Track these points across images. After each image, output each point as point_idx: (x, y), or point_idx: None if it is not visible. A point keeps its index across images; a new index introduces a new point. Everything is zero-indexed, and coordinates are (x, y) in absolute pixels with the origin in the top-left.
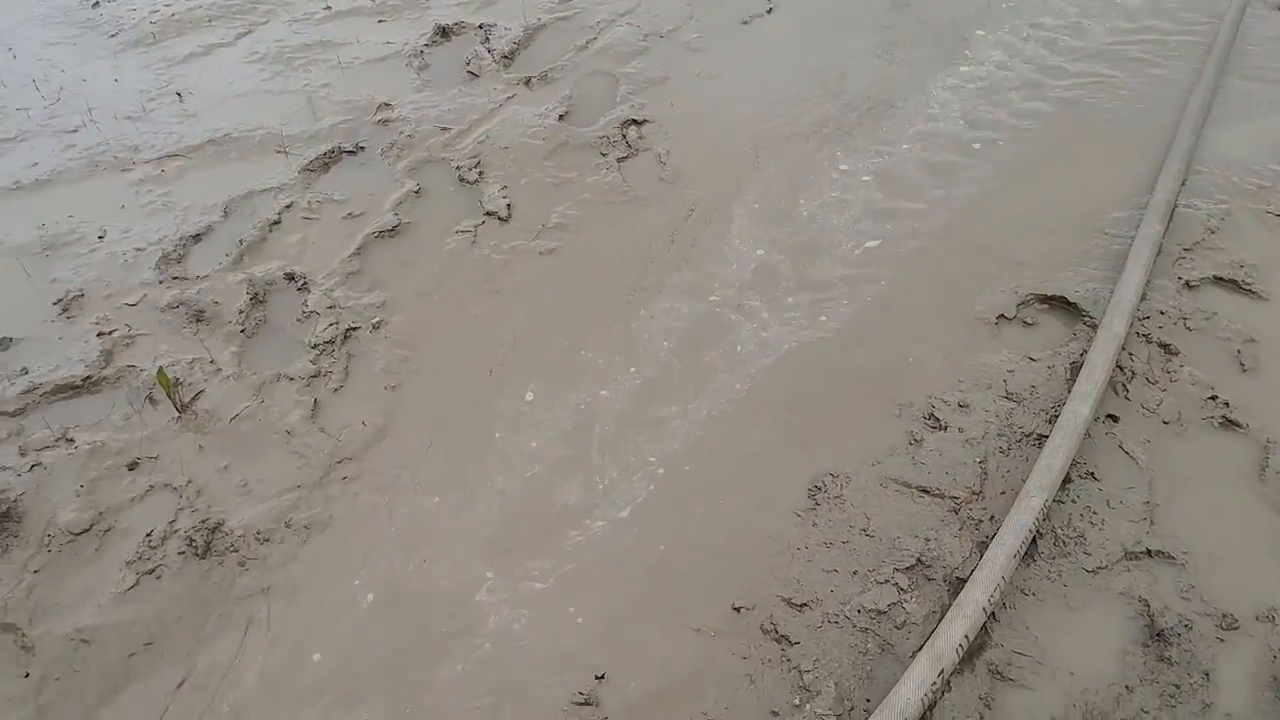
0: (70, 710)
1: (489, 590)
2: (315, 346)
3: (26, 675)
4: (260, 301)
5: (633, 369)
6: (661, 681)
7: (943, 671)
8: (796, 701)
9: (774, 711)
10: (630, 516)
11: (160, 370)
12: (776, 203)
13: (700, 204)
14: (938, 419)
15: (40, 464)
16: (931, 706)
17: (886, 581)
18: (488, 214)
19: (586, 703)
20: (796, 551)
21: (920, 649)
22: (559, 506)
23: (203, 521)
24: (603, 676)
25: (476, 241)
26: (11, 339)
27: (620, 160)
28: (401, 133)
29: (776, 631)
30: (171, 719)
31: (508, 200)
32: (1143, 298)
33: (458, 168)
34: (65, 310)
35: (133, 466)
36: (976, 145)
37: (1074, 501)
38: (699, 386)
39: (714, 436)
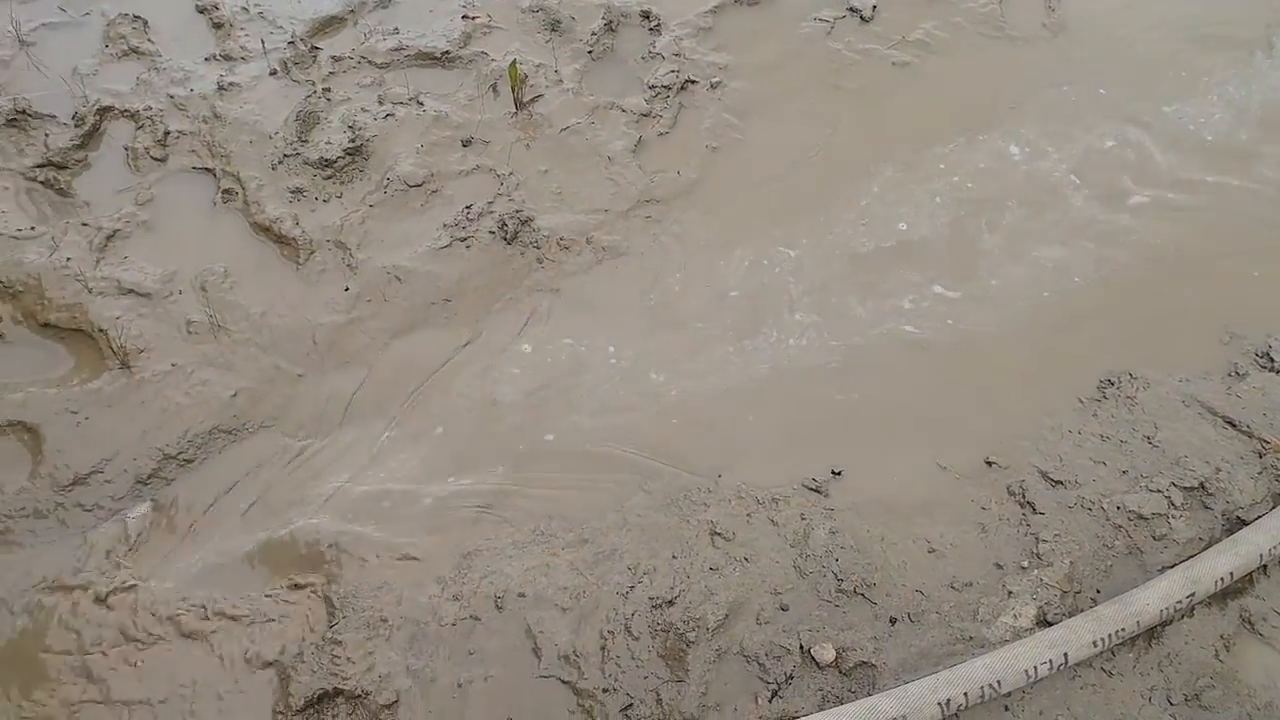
0: (373, 329)
1: (761, 359)
2: (652, 88)
3: (346, 289)
4: (612, 30)
5: (948, 213)
6: (893, 496)
7: (1193, 595)
8: (1025, 564)
9: (998, 564)
10: (909, 341)
11: (513, 64)
12: (1155, 96)
13: (1076, 66)
14: (1272, 360)
15: (392, 115)
16: (1166, 622)
17: (1159, 491)
18: (851, 9)
19: (816, 490)
20: (1068, 433)
21: (1174, 566)
22: (850, 305)
23: (516, 212)
24: (840, 473)
25: (832, 33)
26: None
27: None
28: None
29: (1023, 496)
30: (449, 369)
31: (875, 1)
32: None
33: None
34: None
35: (466, 144)
36: None
37: None
38: (1014, 250)
39: (1021, 301)
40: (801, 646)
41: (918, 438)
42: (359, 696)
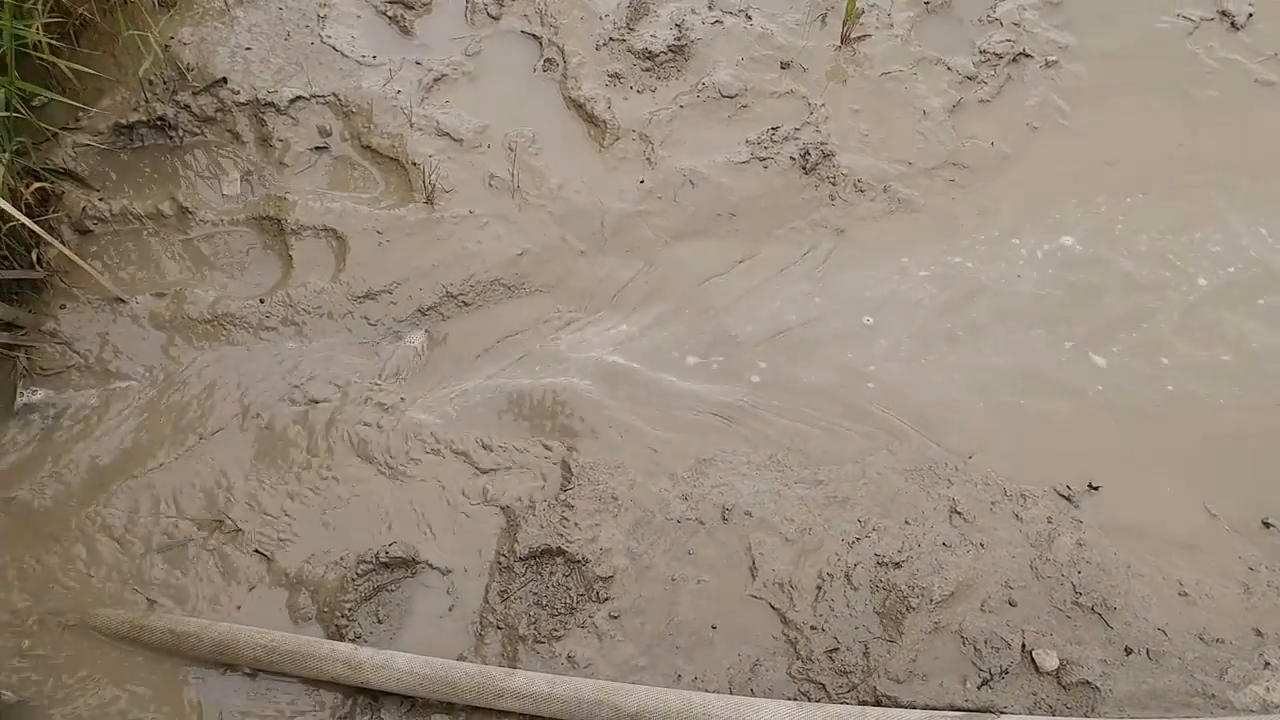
0: (657, 225)
1: (1041, 357)
2: (983, 52)
3: (641, 182)
4: None
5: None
6: (1149, 527)
7: None
8: None
9: (1259, 631)
10: (1200, 376)
11: None
12: None
13: None
14: None
15: (720, 23)
16: None
17: None
18: (1222, 12)
19: (1068, 498)
20: None
21: None
22: (1154, 331)
23: (820, 143)
24: (1098, 488)
25: (1194, 35)
26: None
27: None
28: None
29: None
30: (721, 281)
31: (1252, 9)
32: None
33: None
34: None
35: (785, 66)
36: None
37: None
38: None
39: None
40: (1024, 645)
41: (1191, 477)
42: (579, 562)
